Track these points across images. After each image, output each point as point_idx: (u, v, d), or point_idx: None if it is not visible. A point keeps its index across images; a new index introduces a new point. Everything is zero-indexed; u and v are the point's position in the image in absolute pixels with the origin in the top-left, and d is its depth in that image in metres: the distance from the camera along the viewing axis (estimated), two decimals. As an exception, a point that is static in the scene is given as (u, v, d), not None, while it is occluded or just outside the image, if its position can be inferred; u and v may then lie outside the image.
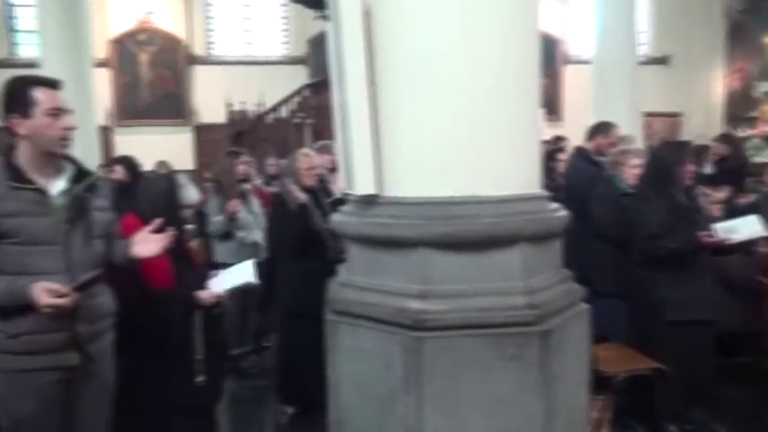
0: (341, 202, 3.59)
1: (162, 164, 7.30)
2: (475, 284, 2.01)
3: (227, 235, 4.02)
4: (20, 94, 1.86)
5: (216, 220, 3.93)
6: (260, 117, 11.14)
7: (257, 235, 4.10)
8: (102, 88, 10.26)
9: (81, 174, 2.00)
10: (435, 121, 2.00)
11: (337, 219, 2.41)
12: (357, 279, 2.27)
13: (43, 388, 1.88)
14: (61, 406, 1.95)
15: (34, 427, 1.91)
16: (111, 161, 5.36)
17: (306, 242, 3.30)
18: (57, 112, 1.88)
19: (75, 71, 8.73)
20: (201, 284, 2.54)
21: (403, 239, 2.03)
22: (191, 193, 2.60)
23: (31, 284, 1.77)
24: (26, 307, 1.78)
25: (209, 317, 2.53)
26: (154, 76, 12.70)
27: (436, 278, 2.02)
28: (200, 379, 2.43)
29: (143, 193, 2.58)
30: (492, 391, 1.98)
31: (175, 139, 12.68)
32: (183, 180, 2.62)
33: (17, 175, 1.85)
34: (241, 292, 4.01)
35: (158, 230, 2.07)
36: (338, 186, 3.58)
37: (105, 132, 10.50)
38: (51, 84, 1.92)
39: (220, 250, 4.10)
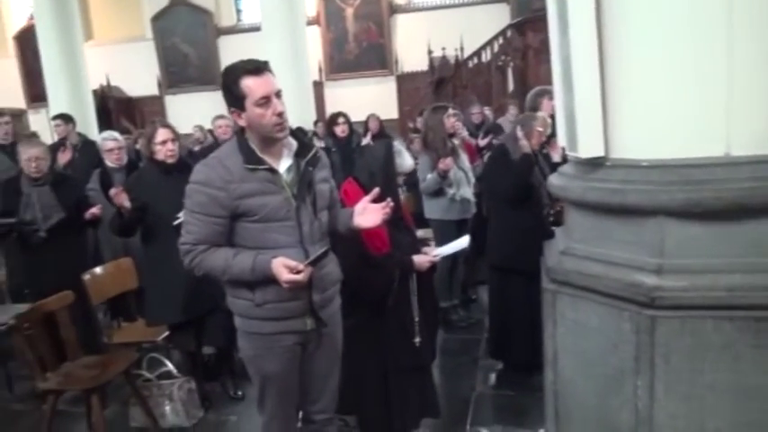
0: (560, 165, 3.43)
1: (372, 116, 7.54)
2: (722, 259, 1.74)
3: (437, 192, 4.03)
4: (233, 87, 1.91)
5: (428, 178, 3.94)
6: (461, 62, 11.01)
7: (467, 191, 4.07)
8: (313, 45, 10.85)
9: (303, 147, 2.07)
10: (676, 73, 1.72)
11: (557, 182, 2.25)
12: (579, 247, 2.11)
13: (285, 350, 2.08)
14: (300, 365, 2.15)
15: (279, 383, 2.13)
16: (334, 116, 5.66)
17: (524, 194, 3.21)
18: (266, 100, 1.90)
19: (291, 32, 9.38)
20: (417, 248, 2.58)
21: (636, 207, 1.81)
22: (406, 161, 2.61)
23: (272, 261, 1.90)
24: (269, 279, 1.93)
25: (424, 280, 2.56)
26: (358, 29, 13.17)
27: (675, 251, 1.79)
28: (416, 340, 2.50)
29: (361, 159, 2.67)
30: (740, 382, 1.73)
31: (380, 89, 13.12)
32: (399, 147, 2.63)
33: (250, 157, 1.95)
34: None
35: (377, 199, 2.11)
36: (556, 149, 3.40)
37: (317, 87, 11.17)
38: (258, 70, 1.91)
39: (430, 206, 4.15)
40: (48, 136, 11.44)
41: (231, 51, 13.37)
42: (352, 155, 5.33)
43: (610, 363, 1.92)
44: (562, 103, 2.14)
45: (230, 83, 1.92)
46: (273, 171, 1.98)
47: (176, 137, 3.22)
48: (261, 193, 1.94)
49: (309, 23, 10.62)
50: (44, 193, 3.48)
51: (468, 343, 3.99)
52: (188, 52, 13.77)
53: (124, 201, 3.02)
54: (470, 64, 10.59)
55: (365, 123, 7.32)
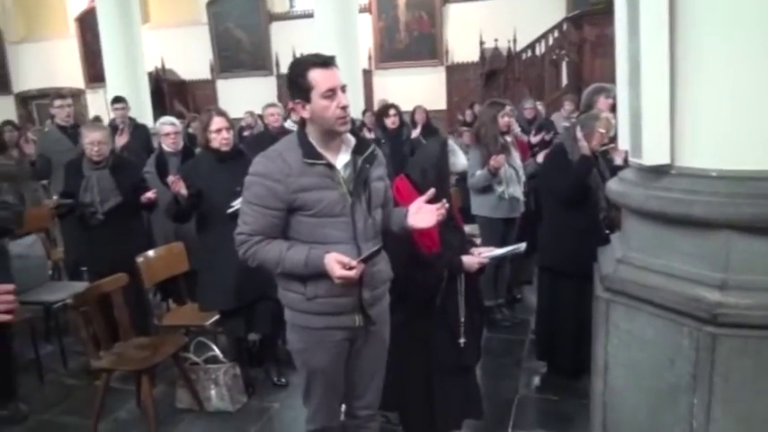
0: (620, 168, 3.33)
1: (419, 108, 7.49)
2: (792, 279, 1.67)
3: (485, 188, 3.97)
4: (300, 78, 1.93)
5: (477, 174, 3.88)
6: (515, 54, 10.82)
7: (517, 190, 4.00)
8: (363, 33, 10.82)
9: (361, 144, 2.07)
10: (753, 82, 1.65)
11: (616, 188, 2.19)
12: (637, 257, 2.05)
13: (333, 345, 2.09)
14: (347, 360, 2.16)
15: (325, 377, 2.15)
16: (386, 108, 5.64)
17: (581, 196, 3.15)
18: (332, 92, 1.92)
19: (343, 20, 9.39)
20: (466, 248, 2.55)
21: (701, 218, 1.75)
22: (460, 160, 2.58)
23: (325, 256, 1.91)
24: (321, 274, 1.94)
25: (471, 280, 2.53)
26: (410, 18, 13.08)
27: (740, 267, 1.72)
28: (462, 340, 2.47)
29: (414, 156, 2.65)
30: (808, 409, 1.66)
31: (429, 79, 13.02)
32: (453, 146, 2.60)
33: (310, 152, 1.97)
34: (499, 245, 4.01)
35: (432, 200, 2.09)
36: (619, 152, 3.31)
37: (365, 76, 11.16)
38: (326, 63, 1.94)
39: (477, 203, 4.10)
40: (105, 116, 11.80)
41: (283, 37, 13.50)
42: (401, 147, 5.31)
43: (664, 378, 1.87)
44: (627, 106, 2.07)
45: (298, 74, 1.94)
46: (331, 166, 1.99)
47: (231, 125, 3.27)
48: (318, 188, 1.95)
49: (361, 11, 10.60)
50: (103, 177, 3.58)
51: (511, 343, 3.94)
52: (241, 37, 13.94)
53: (181, 188, 3.08)
54: (523, 56, 10.39)
55: (412, 115, 7.26)
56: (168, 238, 4.11)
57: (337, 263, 1.89)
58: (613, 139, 3.56)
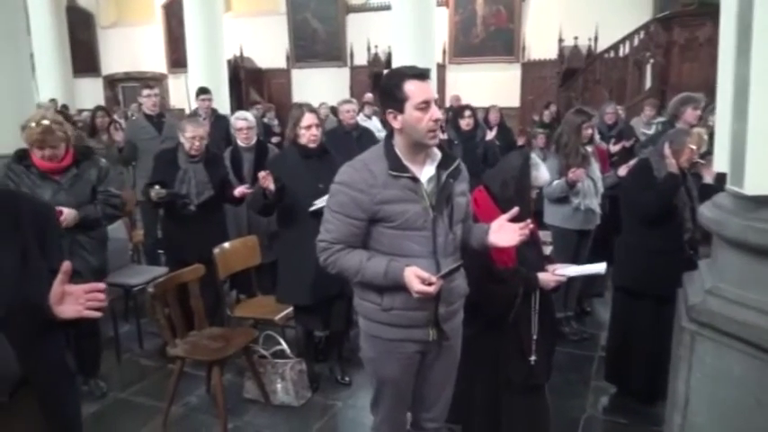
0: (710, 188, 3.16)
1: (493, 108, 7.34)
2: None
3: (561, 198, 3.85)
4: (395, 89, 1.94)
5: (554, 184, 3.75)
6: (595, 55, 10.45)
7: (593, 202, 3.86)
8: (438, 27, 10.70)
9: (446, 159, 2.05)
10: None
11: (710, 215, 2.08)
12: (729, 290, 1.95)
13: (405, 356, 2.09)
14: (417, 372, 2.16)
15: (395, 388, 2.16)
16: (461, 109, 5.57)
17: (665, 215, 3.02)
18: (426, 105, 1.92)
19: (420, 13, 9.33)
20: (542, 264, 2.49)
21: (804, 257, 1.64)
22: (542, 174, 2.51)
23: (405, 269, 1.91)
24: (398, 286, 1.94)
25: (545, 297, 2.47)
26: (487, 13, 12.84)
27: None
28: (532, 358, 2.42)
29: (495, 168, 2.60)
30: None
31: (503, 76, 12.77)
32: (536, 159, 2.53)
33: (395, 164, 1.97)
34: (572, 257, 3.90)
35: (514, 218, 2.05)
36: (710, 170, 3.15)
37: (439, 70, 11.04)
38: (422, 75, 1.95)
39: (551, 212, 3.99)
40: (185, 101, 12.22)
41: (358, 29, 13.57)
42: (475, 149, 5.23)
43: (751, 419, 1.79)
44: (728, 128, 1.96)
45: (393, 85, 1.95)
46: (416, 180, 1.98)
47: (321, 123, 3.31)
48: (401, 201, 1.96)
49: (438, 5, 10.48)
50: (199, 170, 3.71)
51: (579, 359, 3.83)
52: (317, 27, 14.10)
53: (270, 184, 3.14)
54: (605, 57, 10.01)
55: (485, 114, 7.14)
56: (241, 230, 4.22)
57: (416, 277, 1.89)
58: (704, 155, 3.39)
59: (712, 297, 2.00)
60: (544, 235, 3.99)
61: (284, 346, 3.42)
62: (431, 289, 1.88)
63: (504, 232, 2.04)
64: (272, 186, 3.14)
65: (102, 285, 1.54)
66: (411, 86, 1.92)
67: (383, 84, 2.03)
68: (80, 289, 1.52)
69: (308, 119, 3.24)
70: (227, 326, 3.61)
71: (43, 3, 13.44)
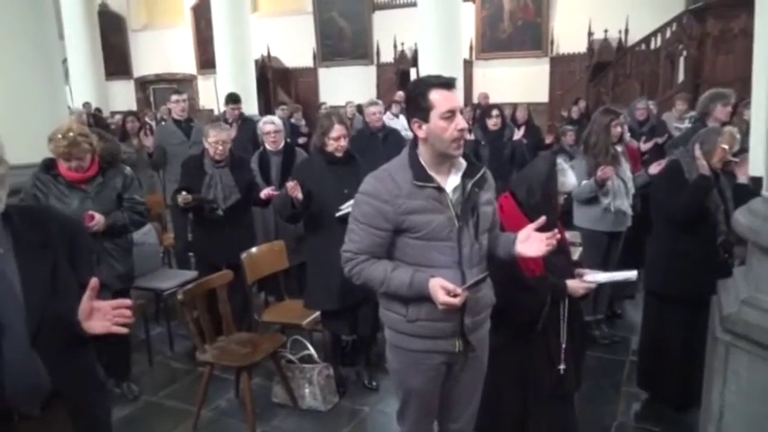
0: (744, 189, 3.07)
1: (520, 106, 7.23)
2: None
3: (590, 199, 3.78)
4: (420, 98, 1.92)
5: (583, 184, 3.67)
6: (626, 49, 10.22)
7: (624, 203, 3.77)
8: (465, 22, 10.60)
9: (471, 168, 2.03)
10: None
11: (746, 222, 2.02)
12: (766, 300, 1.89)
13: (431, 368, 2.08)
14: (443, 384, 2.14)
15: (421, 399, 2.15)
16: (488, 108, 5.51)
17: (697, 218, 2.94)
18: (451, 114, 1.90)
19: (446, 10, 9.24)
20: (570, 271, 2.45)
21: None
22: (569, 180, 2.46)
23: (430, 280, 1.90)
24: (423, 297, 1.93)
25: (573, 303, 2.43)
26: (514, 7, 12.68)
27: None
28: (561, 367, 2.39)
29: (520, 173, 2.56)
30: None
31: (531, 70, 12.60)
32: (563, 165, 2.49)
33: (420, 174, 1.95)
34: (602, 260, 3.83)
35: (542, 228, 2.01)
36: (743, 170, 3.06)
37: (466, 66, 10.94)
38: (447, 84, 1.93)
39: (580, 214, 3.91)
40: (213, 101, 12.36)
41: (385, 26, 13.54)
42: (502, 150, 5.17)
43: (789, 438, 1.72)
44: (765, 125, 1.89)
45: (418, 94, 1.94)
46: (440, 189, 1.97)
47: (348, 132, 3.32)
48: (426, 211, 1.94)
49: (464, 0, 10.37)
50: (225, 175, 3.76)
51: (610, 364, 3.76)
52: (343, 26, 14.12)
53: (297, 193, 3.16)
54: (636, 50, 9.79)
55: (512, 112, 7.03)
56: (269, 234, 4.25)
57: (441, 288, 1.87)
58: (737, 153, 3.29)
59: (748, 307, 1.95)
60: (573, 235, 3.93)
61: (312, 350, 3.43)
62: (456, 300, 1.87)
63: (532, 242, 2.01)
64: (299, 196, 3.15)
65: (128, 302, 1.56)
66: (436, 95, 1.91)
67: (408, 93, 2.02)
68: (108, 305, 1.55)
69: (338, 130, 3.24)
70: (255, 330, 3.64)
71: (76, 8, 13.72)
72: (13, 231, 1.57)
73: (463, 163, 2.03)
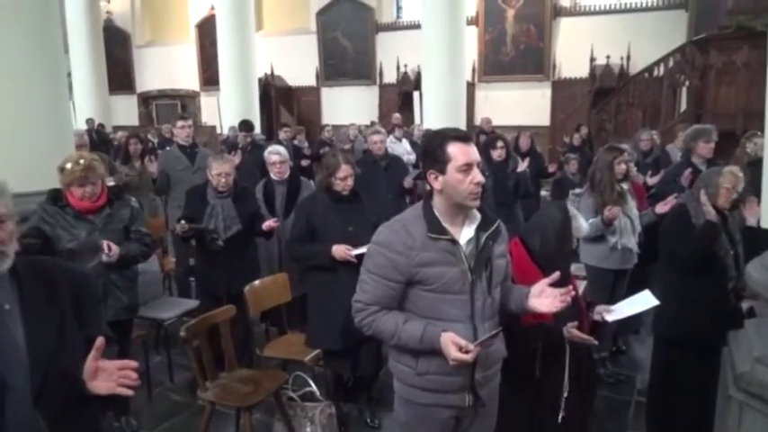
0: (755, 232, 3.05)
1: (524, 133, 7.22)
2: None
3: (597, 237, 3.76)
4: (438, 150, 1.92)
5: (590, 222, 3.66)
6: (629, 77, 10.27)
7: (631, 241, 3.76)
8: (468, 45, 10.68)
9: (485, 220, 2.02)
10: None
11: (758, 276, 2.01)
12: (781, 360, 1.86)
13: (439, 422, 2.05)
14: None
15: None
16: (493, 139, 5.52)
17: (702, 265, 2.91)
18: (468, 167, 1.90)
19: (450, 32, 9.33)
20: (577, 316, 2.41)
21: None
22: (581, 226, 2.45)
23: (442, 334, 1.88)
24: (434, 351, 1.91)
25: (580, 352, 2.40)
26: (517, 31, 12.80)
27: None
28: (561, 415, 2.34)
29: (532, 221, 2.54)
30: None
31: (533, 94, 12.70)
32: (573, 211, 2.47)
33: (434, 226, 1.94)
34: (608, 297, 3.80)
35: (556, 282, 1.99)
36: (752, 211, 3.04)
37: (468, 88, 11.01)
38: (465, 138, 1.94)
39: (587, 251, 3.89)
40: (215, 118, 12.38)
41: (388, 47, 13.64)
42: (506, 180, 5.15)
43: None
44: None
45: (436, 146, 1.94)
46: (454, 242, 1.95)
47: (355, 171, 3.30)
48: (439, 264, 1.92)
49: (468, 24, 10.46)
50: (227, 205, 3.76)
51: (615, 404, 3.70)
52: (347, 46, 14.23)
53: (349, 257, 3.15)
54: (638, 78, 9.86)
55: (515, 139, 7.01)
56: (272, 265, 4.22)
57: (453, 344, 1.85)
58: (742, 194, 3.27)
59: (762, 367, 1.92)
60: (577, 268, 3.89)
61: (314, 388, 3.38)
62: (468, 357, 1.84)
63: (546, 297, 1.98)
64: (354, 260, 3.06)
65: (134, 363, 1.53)
66: (454, 148, 1.90)
67: (425, 144, 2.02)
68: (113, 365, 1.52)
69: (345, 170, 3.24)
70: (257, 365, 3.59)
71: (81, 23, 13.80)
72: (20, 287, 1.55)
73: (477, 215, 2.02)
